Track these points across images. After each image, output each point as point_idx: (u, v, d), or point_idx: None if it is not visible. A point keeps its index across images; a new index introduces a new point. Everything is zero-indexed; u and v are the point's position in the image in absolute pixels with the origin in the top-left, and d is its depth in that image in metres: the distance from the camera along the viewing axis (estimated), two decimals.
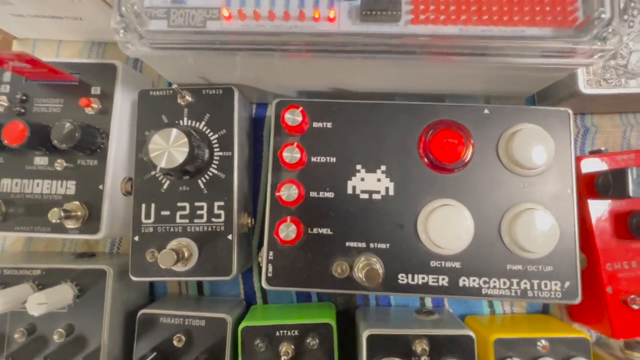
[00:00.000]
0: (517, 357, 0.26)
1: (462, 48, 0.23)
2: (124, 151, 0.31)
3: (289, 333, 0.28)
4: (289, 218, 0.26)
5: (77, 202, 0.29)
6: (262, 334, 0.28)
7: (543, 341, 0.27)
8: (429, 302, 0.34)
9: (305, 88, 0.30)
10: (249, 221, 0.31)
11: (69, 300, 0.27)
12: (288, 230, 0.26)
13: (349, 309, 0.33)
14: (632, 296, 0.28)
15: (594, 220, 0.29)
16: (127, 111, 0.32)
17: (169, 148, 0.26)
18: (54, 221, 0.27)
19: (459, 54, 0.23)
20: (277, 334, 0.28)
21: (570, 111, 0.28)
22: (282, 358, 0.27)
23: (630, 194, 0.26)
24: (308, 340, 0.28)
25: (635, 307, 0.28)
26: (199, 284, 0.34)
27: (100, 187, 0.29)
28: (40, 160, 0.30)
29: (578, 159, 0.30)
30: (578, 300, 0.27)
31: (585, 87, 0.28)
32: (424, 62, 0.24)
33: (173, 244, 0.27)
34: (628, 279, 0.28)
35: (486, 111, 0.29)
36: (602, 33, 0.21)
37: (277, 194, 0.26)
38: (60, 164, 0.29)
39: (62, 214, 0.27)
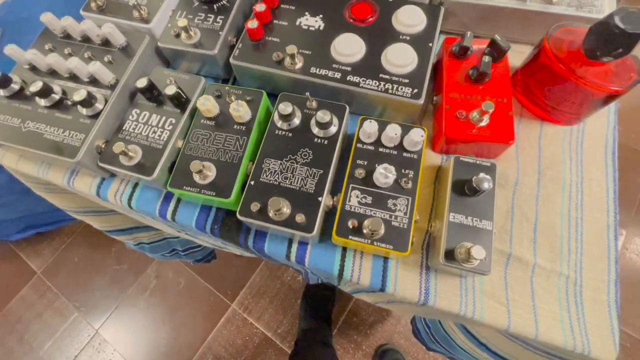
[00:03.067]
0: (373, 121, 0.39)
1: None
2: None
3: (234, 91, 0.44)
4: (254, 19, 0.44)
5: (145, 7, 0.49)
6: (219, 89, 0.44)
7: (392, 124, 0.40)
8: None
9: None
10: (234, 40, 0.49)
11: (121, 41, 0.46)
12: (253, 23, 0.44)
13: None
14: (460, 111, 0.41)
15: (446, 70, 0.43)
16: None
17: None
18: (131, 4, 0.47)
19: None
20: (228, 90, 0.44)
21: (442, 8, 0.46)
22: (228, 102, 0.43)
23: (464, 43, 0.42)
24: (247, 97, 0.43)
25: (462, 118, 0.40)
26: None
27: (161, 4, 0.50)
28: None
29: (446, 39, 0.46)
30: (421, 100, 0.40)
31: None
32: None
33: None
34: (461, 103, 0.41)
35: (391, 0, 0.47)
36: None
37: (254, 7, 0.45)
38: None
39: (136, 2, 0.48)
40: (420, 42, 0.44)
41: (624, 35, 0.34)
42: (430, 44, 0.43)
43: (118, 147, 0.39)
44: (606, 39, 0.35)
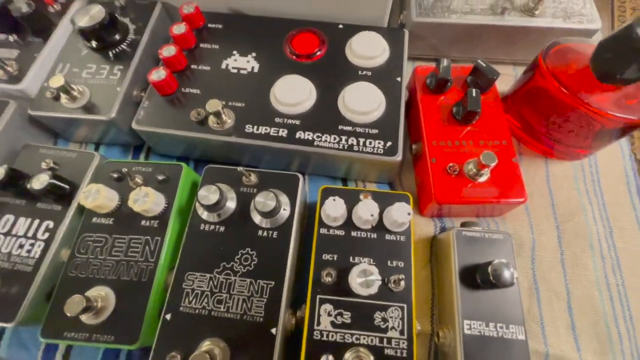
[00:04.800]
0: (338, 198, 0.28)
1: None
2: (64, 39, 0.39)
3: (142, 169, 0.31)
4: (162, 67, 0.33)
5: (14, 62, 0.36)
6: (120, 168, 0.31)
7: (365, 194, 0.29)
8: None
9: (211, 9, 0.39)
10: (142, 94, 0.36)
11: None
12: (159, 74, 0.32)
13: None
14: (450, 164, 0.31)
15: (423, 110, 0.34)
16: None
17: (89, 15, 0.34)
18: None
19: None
20: (134, 168, 0.31)
21: (406, 31, 0.36)
22: (133, 187, 0.30)
23: (440, 75, 0.32)
24: (158, 176, 0.30)
25: (454, 174, 0.30)
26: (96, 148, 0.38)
27: (36, 54, 0.37)
28: None
29: (417, 69, 0.36)
30: (398, 156, 0.30)
31: (417, 17, 0.37)
32: None
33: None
34: (449, 153, 0.31)
35: (340, 26, 0.37)
36: None
37: (159, 51, 0.33)
38: (13, 38, 0.38)
39: None
40: (385, 77, 0.34)
41: None
42: (399, 79, 0.34)
43: None
44: (627, 58, 0.27)
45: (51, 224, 0.29)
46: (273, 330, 0.24)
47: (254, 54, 0.36)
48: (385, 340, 0.24)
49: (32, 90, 0.36)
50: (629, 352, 0.28)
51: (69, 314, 0.24)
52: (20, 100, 0.36)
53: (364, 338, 0.24)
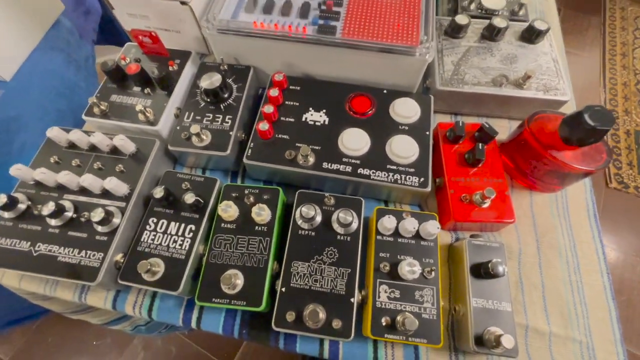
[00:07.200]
0: (391, 216, 0.42)
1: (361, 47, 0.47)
2: (181, 92, 0.54)
3: (252, 191, 0.45)
4: (264, 121, 0.47)
5: (150, 109, 0.51)
6: (236, 190, 0.45)
7: (406, 213, 0.43)
8: None
9: (289, 74, 0.54)
10: (242, 135, 0.51)
11: (131, 149, 0.46)
12: (264, 125, 0.46)
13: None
14: (463, 195, 0.45)
15: (444, 155, 0.48)
16: (188, 76, 0.56)
17: (210, 80, 0.49)
18: (138, 109, 0.48)
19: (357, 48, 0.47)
20: (246, 191, 0.45)
21: (432, 97, 0.51)
22: (246, 202, 0.44)
23: (457, 132, 0.47)
24: (264, 196, 0.45)
25: (465, 201, 0.44)
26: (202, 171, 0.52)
27: (165, 104, 0.51)
28: (136, 89, 0.53)
29: (439, 124, 0.51)
30: (428, 188, 0.44)
31: (439, 86, 0.52)
32: (343, 50, 0.48)
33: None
34: (462, 187, 0.45)
35: (385, 91, 0.52)
36: (425, 48, 0.46)
37: (262, 108, 0.48)
38: (147, 91, 0.52)
39: (143, 107, 0.49)
40: (418, 131, 0.48)
41: (594, 130, 0.40)
42: (427, 133, 0.48)
43: (143, 266, 0.39)
44: (579, 132, 0.41)
45: (193, 227, 0.43)
46: (352, 300, 0.38)
47: (324, 110, 0.50)
48: (422, 308, 0.38)
49: (164, 130, 0.51)
50: (583, 326, 0.42)
51: (223, 283, 0.37)
52: (154, 137, 0.50)
53: (409, 307, 0.38)
